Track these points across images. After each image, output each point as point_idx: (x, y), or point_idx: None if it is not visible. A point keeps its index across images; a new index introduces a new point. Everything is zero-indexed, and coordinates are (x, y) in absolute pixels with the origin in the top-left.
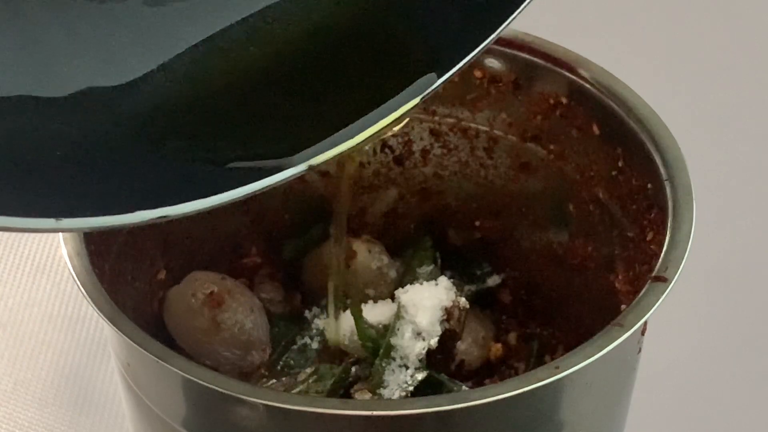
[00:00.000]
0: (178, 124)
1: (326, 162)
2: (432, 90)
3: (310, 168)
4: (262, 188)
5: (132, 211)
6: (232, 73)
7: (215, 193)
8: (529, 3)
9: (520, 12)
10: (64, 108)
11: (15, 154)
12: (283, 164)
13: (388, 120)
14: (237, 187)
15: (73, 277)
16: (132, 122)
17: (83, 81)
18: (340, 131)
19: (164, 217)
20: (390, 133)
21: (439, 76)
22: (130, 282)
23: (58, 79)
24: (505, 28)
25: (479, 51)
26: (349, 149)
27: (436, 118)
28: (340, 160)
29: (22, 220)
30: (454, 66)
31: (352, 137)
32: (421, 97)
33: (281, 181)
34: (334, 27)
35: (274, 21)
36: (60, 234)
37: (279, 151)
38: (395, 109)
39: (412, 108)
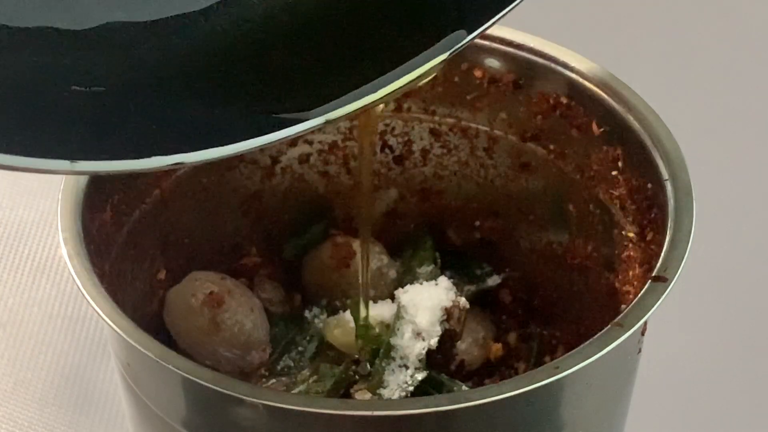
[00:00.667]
0: (199, 71)
1: (346, 116)
2: (461, 46)
3: (327, 122)
4: (279, 139)
5: (148, 156)
6: (257, 24)
7: (231, 143)
8: None
9: None
10: (86, 42)
11: (33, 91)
12: (301, 117)
13: (413, 76)
14: (254, 137)
15: (73, 277)
16: (153, 64)
17: (107, 15)
18: (362, 87)
19: (180, 163)
20: (420, 84)
21: (469, 33)
22: (130, 282)
23: (81, 11)
24: None
25: (509, 9)
26: (370, 104)
27: (436, 118)
28: (363, 118)
29: (38, 161)
30: (483, 24)
31: (374, 92)
32: (449, 52)
33: (299, 133)
34: None
35: None
36: (60, 234)
37: (298, 104)
38: (420, 65)
39: (438, 64)
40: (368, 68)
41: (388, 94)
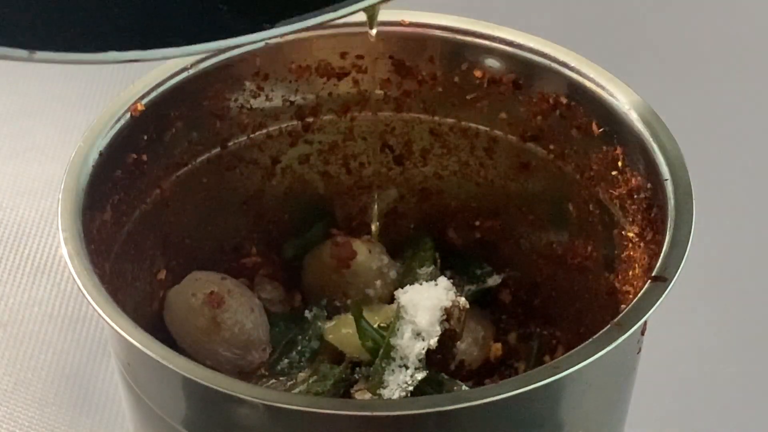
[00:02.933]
0: None
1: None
2: None
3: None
4: (234, 45)
5: (105, 51)
6: None
7: (190, 43)
8: None
9: None
10: None
11: None
12: (260, 28)
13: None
14: (210, 41)
15: (73, 277)
16: None
17: None
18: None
19: (136, 60)
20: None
21: None
22: (130, 282)
23: None
24: None
25: None
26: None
27: (436, 118)
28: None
29: None
30: None
31: (324, 13)
32: None
33: (261, 40)
34: None
35: None
36: (60, 234)
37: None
38: None
39: None
40: None
41: (343, 14)
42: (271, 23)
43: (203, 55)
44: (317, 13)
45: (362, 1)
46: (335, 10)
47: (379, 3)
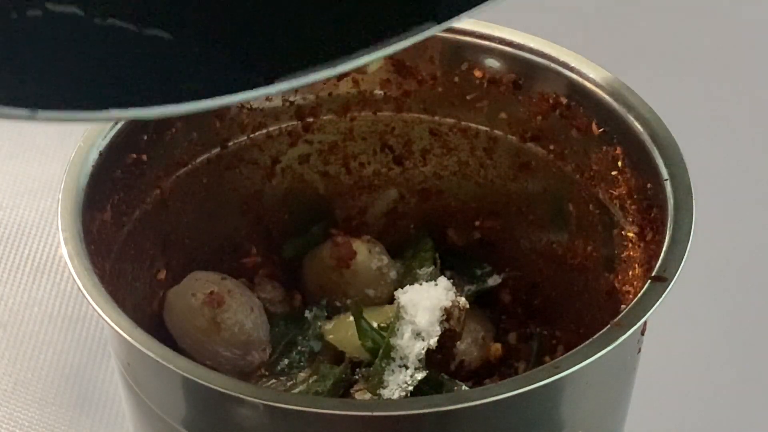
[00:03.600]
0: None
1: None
2: (424, 37)
3: (278, 91)
4: (238, 101)
5: (106, 109)
6: None
7: (185, 100)
8: None
9: None
10: None
11: None
12: (261, 83)
13: (370, 59)
14: (211, 98)
15: (73, 277)
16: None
17: None
18: (325, 62)
19: (137, 118)
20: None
21: (438, 23)
22: (130, 282)
23: None
24: None
25: (481, 5)
26: (320, 79)
27: (436, 118)
28: None
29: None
30: (453, 17)
31: (332, 68)
32: (412, 41)
33: (243, 99)
34: None
35: None
36: (60, 234)
37: (256, 72)
38: (381, 50)
39: (397, 50)
40: (334, 44)
41: (338, 72)
42: (276, 78)
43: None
44: (325, 66)
45: (369, 54)
46: (334, 66)
47: (385, 55)
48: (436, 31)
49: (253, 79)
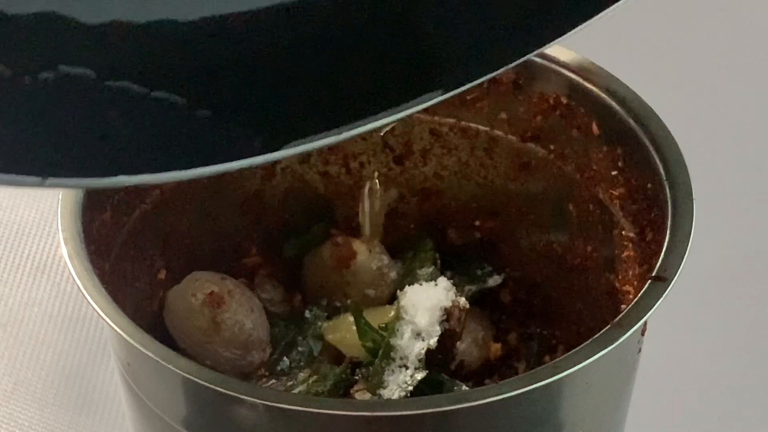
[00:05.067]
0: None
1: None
2: (429, 105)
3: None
4: (246, 166)
5: (115, 176)
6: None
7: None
8: (563, 38)
9: (551, 44)
10: (91, 38)
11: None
12: (264, 150)
13: (378, 125)
14: (218, 163)
15: (73, 277)
16: (135, 71)
17: (111, 11)
18: (332, 129)
19: (144, 183)
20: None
21: (443, 94)
22: (130, 282)
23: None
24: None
25: (491, 75)
26: (328, 144)
27: (436, 118)
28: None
29: (9, 177)
30: (459, 88)
31: (338, 135)
32: (417, 109)
33: (251, 165)
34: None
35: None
36: (60, 234)
37: (263, 135)
38: (389, 116)
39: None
40: (342, 112)
41: (349, 137)
42: (283, 145)
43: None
44: (330, 133)
45: (375, 122)
46: (339, 134)
47: (395, 122)
48: (442, 99)
49: (259, 145)
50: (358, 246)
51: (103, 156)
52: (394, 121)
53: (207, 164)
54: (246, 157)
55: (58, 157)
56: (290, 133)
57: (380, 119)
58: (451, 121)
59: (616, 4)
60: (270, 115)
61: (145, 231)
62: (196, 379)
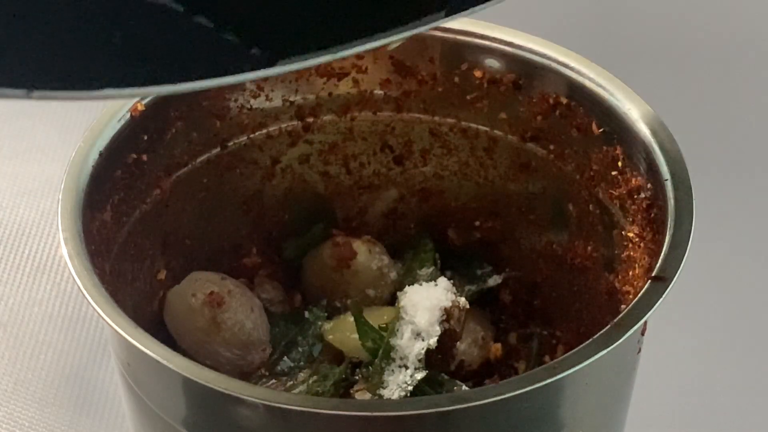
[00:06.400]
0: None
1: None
2: (428, 27)
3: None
4: (236, 82)
5: (101, 88)
6: None
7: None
8: None
9: None
10: None
11: None
12: (263, 65)
13: (376, 44)
14: (210, 77)
15: (73, 277)
16: None
17: None
18: (334, 45)
19: (132, 96)
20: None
21: (446, 16)
22: (130, 282)
23: None
24: None
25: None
26: (328, 60)
27: (436, 118)
28: None
29: None
30: (463, 11)
31: (341, 51)
32: (418, 30)
33: (247, 79)
34: None
35: None
36: (60, 234)
37: (276, 46)
38: (391, 36)
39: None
40: (336, 30)
41: (347, 55)
42: (279, 60)
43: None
44: (326, 51)
45: (369, 43)
46: (334, 52)
47: (399, 41)
48: (443, 21)
49: (255, 59)
50: (359, 246)
51: (91, 67)
52: (393, 41)
53: (199, 77)
54: (241, 71)
55: (44, 68)
56: (287, 48)
57: (378, 39)
58: (451, 121)
59: None
60: (267, 28)
61: (145, 231)
62: (196, 379)
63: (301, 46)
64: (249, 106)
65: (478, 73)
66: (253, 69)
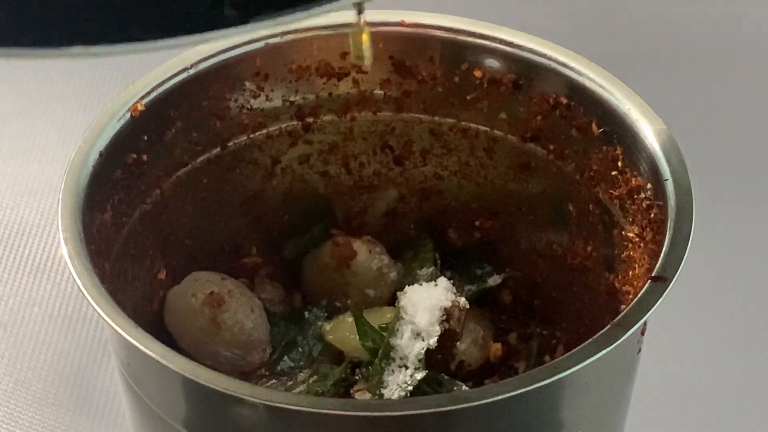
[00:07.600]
0: None
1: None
2: None
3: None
4: (211, 39)
5: (70, 45)
6: None
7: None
8: None
9: None
10: None
11: None
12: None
13: (342, 6)
14: (183, 35)
15: (73, 277)
16: None
17: None
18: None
19: (102, 54)
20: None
21: None
22: (130, 282)
23: None
24: None
25: None
26: (299, 20)
27: (436, 118)
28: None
29: None
30: None
31: (305, 11)
32: None
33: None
34: None
35: None
36: (60, 234)
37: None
38: None
39: None
40: None
41: (314, 16)
42: (251, 18)
43: (189, 48)
44: (299, 9)
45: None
46: (309, 9)
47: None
48: None
49: (227, 19)
50: (359, 246)
51: (60, 24)
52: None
53: (171, 35)
54: (213, 29)
55: (12, 26)
56: (259, 7)
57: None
58: (451, 121)
59: None
60: None
61: (145, 231)
62: (196, 379)
63: (273, 4)
64: (249, 106)
65: (478, 73)
66: (226, 26)
